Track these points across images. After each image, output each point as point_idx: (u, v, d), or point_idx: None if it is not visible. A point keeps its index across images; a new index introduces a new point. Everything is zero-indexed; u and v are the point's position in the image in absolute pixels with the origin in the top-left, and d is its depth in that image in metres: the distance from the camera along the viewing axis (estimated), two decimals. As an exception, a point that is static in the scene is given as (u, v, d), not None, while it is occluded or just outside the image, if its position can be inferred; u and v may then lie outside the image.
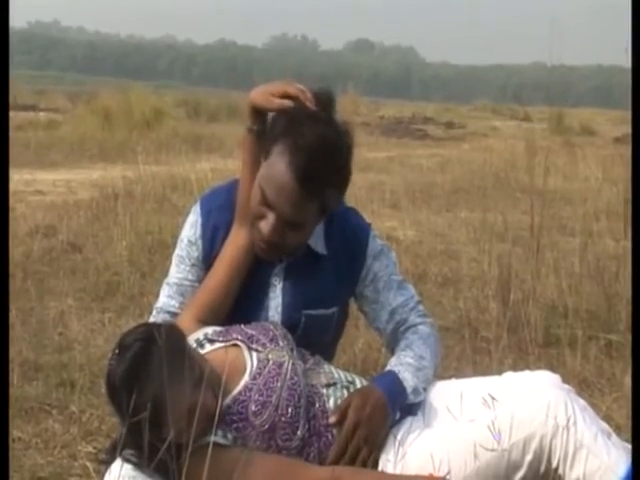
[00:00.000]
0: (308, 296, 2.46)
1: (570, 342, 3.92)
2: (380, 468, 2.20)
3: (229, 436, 2.11)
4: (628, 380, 3.29)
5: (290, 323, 2.43)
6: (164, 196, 7.77)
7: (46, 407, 3.20)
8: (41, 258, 5.49)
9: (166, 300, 2.54)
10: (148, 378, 2.00)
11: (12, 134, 7.90)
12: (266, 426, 2.14)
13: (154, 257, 5.49)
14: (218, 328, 2.36)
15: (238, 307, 2.44)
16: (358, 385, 2.33)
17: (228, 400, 2.13)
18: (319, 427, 2.21)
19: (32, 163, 10.74)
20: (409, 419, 2.33)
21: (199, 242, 2.52)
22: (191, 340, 2.26)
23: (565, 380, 2.35)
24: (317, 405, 2.23)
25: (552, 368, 2.94)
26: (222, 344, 2.28)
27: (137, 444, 2.00)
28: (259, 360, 2.23)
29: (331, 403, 2.25)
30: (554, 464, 2.07)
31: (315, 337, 2.47)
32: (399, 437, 2.24)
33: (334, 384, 2.30)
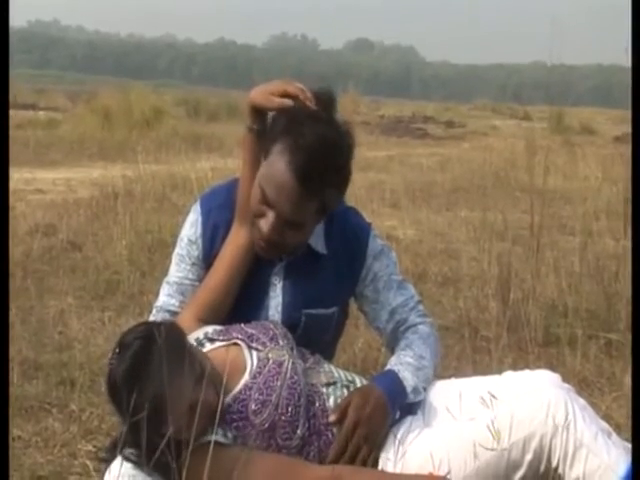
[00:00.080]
0: (308, 295, 2.45)
1: (570, 341, 3.92)
2: (380, 467, 2.20)
3: (229, 435, 2.11)
4: (628, 379, 3.29)
5: (290, 322, 2.43)
6: (164, 195, 7.77)
7: (46, 406, 3.19)
8: (41, 257, 5.49)
9: (166, 299, 2.54)
10: (149, 376, 2.00)
11: (12, 133, 7.89)
12: (266, 425, 2.14)
13: (154, 256, 5.49)
14: (218, 327, 2.36)
15: (238, 306, 2.45)
16: (358, 384, 2.33)
17: (228, 399, 2.13)
18: (319, 426, 2.21)
19: (32, 162, 10.74)
20: (409, 418, 2.33)
21: (199, 241, 2.52)
22: (191, 339, 2.26)
23: (565, 379, 2.36)
24: (317, 404, 2.23)
25: (552, 367, 2.94)
26: (222, 343, 2.28)
27: (138, 443, 2.00)
28: (259, 359, 2.23)
29: (331, 402, 2.25)
30: (554, 463, 2.07)
31: (315, 336, 2.47)
32: (399, 436, 2.25)
33: (334, 383, 2.30)
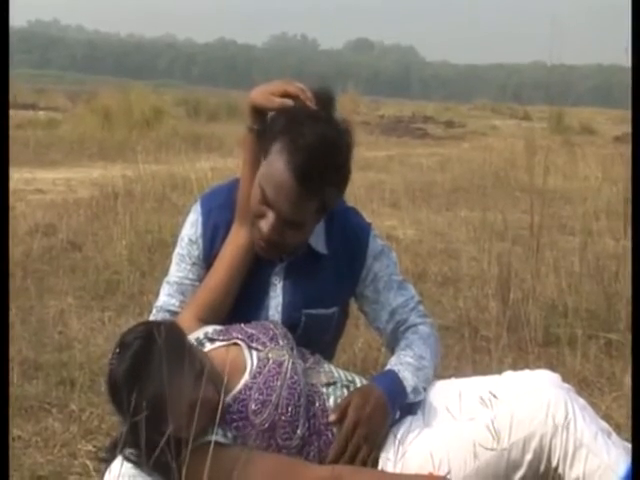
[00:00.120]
0: (308, 295, 2.45)
1: (570, 341, 3.93)
2: (380, 467, 2.20)
3: (229, 435, 2.11)
4: (628, 379, 3.30)
5: (290, 322, 2.43)
6: (164, 195, 7.77)
7: (46, 406, 3.19)
8: (41, 257, 5.49)
9: (166, 299, 2.54)
10: (149, 376, 2.00)
11: (12, 133, 7.90)
12: (266, 425, 2.14)
13: (154, 256, 5.49)
14: (218, 327, 2.36)
15: (238, 306, 2.45)
16: (358, 384, 2.33)
17: (228, 399, 2.13)
18: (319, 426, 2.21)
19: (32, 162, 10.74)
20: (409, 418, 2.33)
21: (200, 241, 2.52)
22: (191, 339, 2.26)
23: (565, 379, 2.36)
24: (317, 404, 2.23)
25: (552, 367, 2.94)
26: (222, 343, 2.28)
27: (138, 443, 1.99)
28: (259, 359, 2.23)
29: (331, 402, 2.25)
30: (554, 463, 2.07)
31: (315, 336, 2.47)
32: (399, 436, 2.24)
33: (334, 383, 2.30)
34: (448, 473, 2.10)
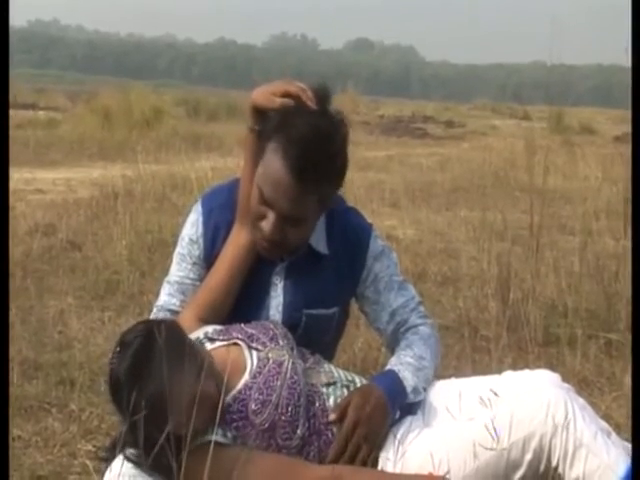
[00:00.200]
0: (309, 296, 2.45)
1: (570, 341, 3.93)
2: (380, 467, 2.20)
3: (229, 435, 2.11)
4: (628, 379, 3.30)
5: (291, 322, 2.43)
6: (164, 195, 7.77)
7: (46, 406, 3.20)
8: (41, 257, 5.49)
9: (167, 298, 2.54)
10: (151, 374, 1.99)
11: (12, 133, 7.89)
12: (266, 425, 2.14)
13: (154, 256, 5.50)
14: (218, 327, 2.36)
15: (239, 306, 2.45)
16: (358, 384, 2.33)
17: (228, 399, 2.13)
18: (319, 426, 2.21)
19: (32, 162, 10.74)
20: (409, 418, 2.33)
21: (200, 241, 2.52)
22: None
23: (565, 379, 2.36)
24: (317, 404, 2.23)
25: (552, 367, 2.94)
26: (222, 343, 2.28)
27: (139, 442, 1.99)
28: (259, 359, 2.23)
29: (331, 402, 2.25)
30: (554, 463, 2.07)
31: (315, 337, 2.47)
32: (399, 436, 2.25)
33: (334, 383, 2.30)
34: (448, 473, 2.10)
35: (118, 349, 2.07)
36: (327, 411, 2.23)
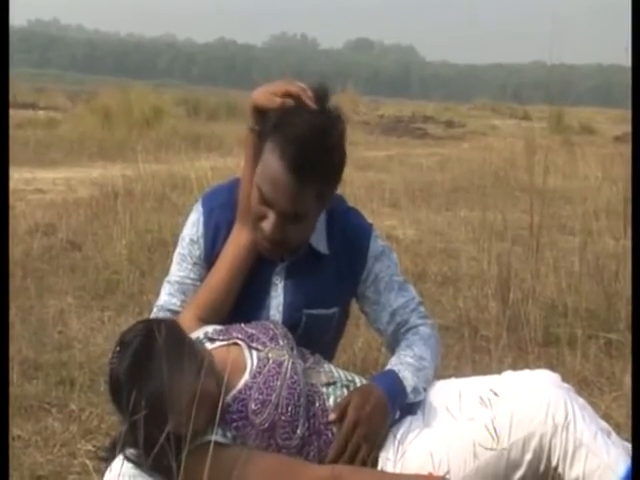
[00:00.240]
0: (309, 296, 2.45)
1: (570, 341, 3.93)
2: (380, 467, 2.20)
3: (228, 435, 2.11)
4: (628, 379, 3.30)
5: (291, 322, 2.43)
6: (164, 195, 7.77)
7: (46, 405, 3.20)
8: (41, 256, 5.49)
9: (167, 298, 2.54)
10: (151, 373, 1.99)
11: (12, 132, 7.88)
12: (266, 425, 2.14)
13: (154, 256, 5.50)
14: (218, 327, 2.36)
15: (239, 306, 2.45)
16: (358, 384, 2.33)
17: (228, 398, 2.13)
18: (319, 426, 2.21)
19: (32, 161, 10.74)
20: (409, 418, 2.33)
21: (201, 241, 2.52)
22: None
23: (565, 379, 2.36)
24: (317, 404, 2.23)
25: (552, 367, 2.94)
26: (222, 343, 2.28)
27: (140, 442, 1.99)
28: (259, 359, 2.23)
29: (331, 402, 2.25)
30: (554, 463, 2.07)
31: (316, 337, 2.47)
32: (399, 436, 2.24)
33: (334, 383, 2.30)
34: (447, 473, 2.10)
35: (118, 349, 2.07)
36: (327, 411, 2.23)
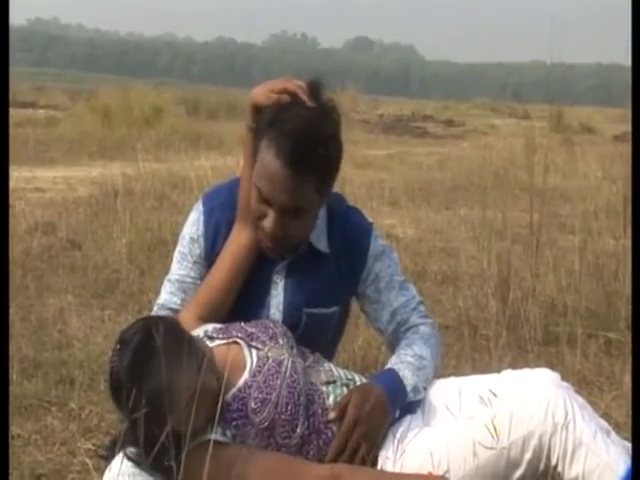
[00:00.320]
0: (309, 295, 2.45)
1: (569, 340, 3.93)
2: (379, 466, 2.20)
3: (228, 433, 2.11)
4: (627, 378, 3.30)
5: (291, 321, 2.43)
6: (163, 194, 7.77)
7: (45, 404, 3.20)
8: (40, 255, 5.49)
9: (168, 297, 2.54)
10: (152, 370, 1.99)
11: (11, 131, 7.88)
12: (265, 424, 2.14)
13: (153, 254, 5.49)
14: (218, 325, 2.36)
15: (240, 304, 2.45)
16: (358, 383, 2.33)
17: (228, 397, 2.13)
18: (318, 425, 2.21)
19: (31, 160, 10.73)
20: (408, 417, 2.33)
21: (201, 240, 2.52)
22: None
23: (564, 378, 2.36)
24: (317, 403, 2.23)
25: (551, 366, 2.93)
26: (222, 341, 2.28)
27: (140, 440, 1.99)
28: (259, 358, 2.23)
29: (330, 400, 2.25)
30: (553, 462, 2.07)
31: (316, 336, 2.47)
32: (398, 435, 2.24)
33: (334, 382, 2.30)
34: (447, 472, 2.10)
35: (118, 347, 2.07)
36: (327, 410, 2.22)
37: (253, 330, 2.31)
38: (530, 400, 2.13)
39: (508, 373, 2.43)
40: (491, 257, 4.84)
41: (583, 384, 3.54)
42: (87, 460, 2.71)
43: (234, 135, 12.49)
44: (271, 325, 2.34)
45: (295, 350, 2.30)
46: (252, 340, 2.27)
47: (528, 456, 2.08)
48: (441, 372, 2.77)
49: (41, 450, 2.84)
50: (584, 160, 9.95)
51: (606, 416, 2.90)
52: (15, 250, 5.16)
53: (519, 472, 2.10)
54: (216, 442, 2.01)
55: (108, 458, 2.19)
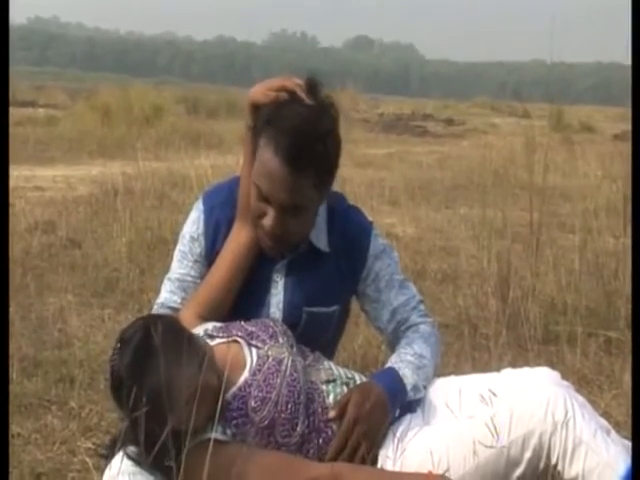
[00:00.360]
0: (309, 293, 2.45)
1: (569, 339, 3.93)
2: (379, 465, 2.20)
3: (228, 432, 2.11)
4: (627, 377, 3.31)
5: (291, 320, 2.43)
6: (163, 192, 7.77)
7: (45, 403, 3.20)
8: (40, 254, 5.49)
9: (168, 295, 2.54)
10: (153, 368, 1.99)
11: (11, 130, 7.88)
12: (265, 422, 2.14)
13: (153, 253, 5.49)
14: (218, 324, 2.36)
15: (240, 303, 2.44)
16: (358, 381, 2.33)
17: (228, 396, 2.13)
18: (318, 423, 2.21)
19: (31, 159, 10.74)
20: (408, 416, 2.33)
21: (201, 238, 2.52)
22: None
23: (564, 377, 2.35)
24: (317, 401, 2.23)
25: (551, 365, 2.93)
26: (222, 340, 2.28)
27: (141, 439, 1.98)
28: (259, 356, 2.23)
29: (330, 399, 2.25)
30: (553, 461, 2.07)
31: (316, 335, 2.47)
32: (398, 434, 2.24)
33: (334, 380, 2.30)
34: (447, 470, 2.10)
35: (118, 345, 2.07)
36: (327, 408, 2.22)
37: (253, 329, 2.31)
38: (530, 399, 2.13)
39: (508, 372, 2.43)
40: (491, 256, 4.84)
41: (583, 383, 3.54)
42: (87, 459, 2.71)
43: (234, 134, 12.49)
44: (271, 324, 2.34)
45: (295, 349, 2.30)
46: (252, 339, 2.27)
47: (528, 455, 2.08)
48: (441, 371, 2.77)
49: (41, 449, 2.85)
50: (584, 159, 9.94)
51: (606, 415, 2.90)
52: (15, 249, 5.17)
53: (519, 471, 2.10)
54: (216, 441, 2.01)
55: (108, 457, 2.19)
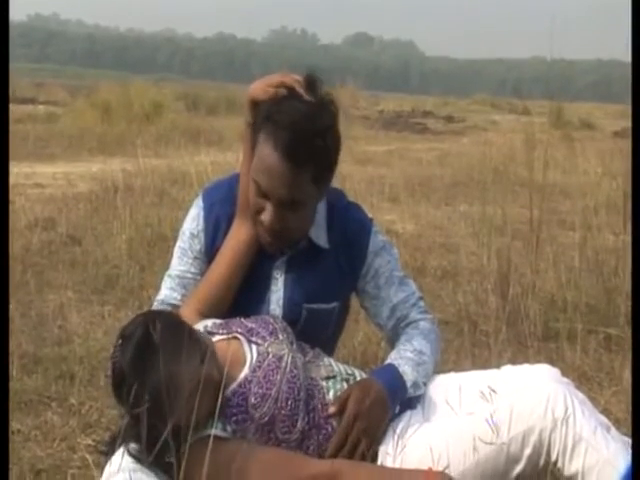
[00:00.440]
0: (309, 290, 2.45)
1: (569, 336, 3.93)
2: (379, 461, 2.20)
3: (228, 428, 2.11)
4: (627, 374, 3.31)
5: (291, 317, 2.43)
6: (163, 189, 7.76)
7: (45, 400, 3.20)
8: (40, 251, 5.49)
9: (168, 292, 2.54)
10: (154, 364, 1.98)
11: (11, 127, 7.87)
12: (265, 419, 2.14)
13: (153, 250, 5.49)
14: (218, 321, 2.36)
15: (240, 300, 2.45)
16: (358, 378, 2.33)
17: (228, 392, 2.13)
18: (318, 420, 2.21)
19: (31, 156, 10.73)
20: (408, 412, 2.34)
21: (201, 235, 2.52)
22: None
23: (564, 374, 2.36)
24: (317, 398, 2.23)
25: (551, 362, 2.94)
26: (222, 337, 2.29)
27: (143, 435, 1.98)
28: (259, 353, 2.23)
29: (330, 396, 2.25)
30: (553, 457, 2.07)
31: (315, 331, 2.47)
32: (398, 430, 2.24)
33: (334, 377, 2.30)
34: (447, 467, 2.10)
35: (120, 342, 2.07)
36: (327, 405, 2.23)
37: (253, 325, 2.31)
38: (530, 396, 2.13)
39: (508, 369, 2.43)
40: (491, 253, 4.84)
41: (583, 380, 3.54)
42: (87, 456, 2.71)
43: (234, 131, 12.47)
44: (271, 320, 2.35)
45: (295, 345, 2.30)
46: (252, 335, 2.27)
47: (528, 451, 2.08)
48: (441, 368, 2.77)
49: (41, 446, 2.85)
50: (584, 156, 9.93)
51: (606, 412, 2.90)
52: (15, 246, 5.16)
53: (519, 467, 2.10)
54: (216, 437, 2.01)
55: (108, 454, 2.19)
